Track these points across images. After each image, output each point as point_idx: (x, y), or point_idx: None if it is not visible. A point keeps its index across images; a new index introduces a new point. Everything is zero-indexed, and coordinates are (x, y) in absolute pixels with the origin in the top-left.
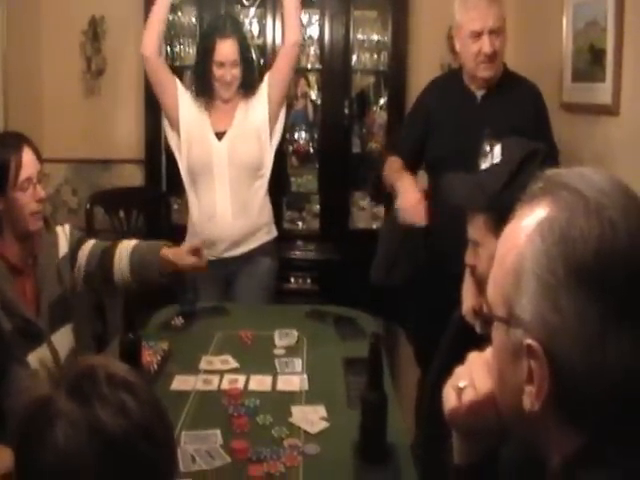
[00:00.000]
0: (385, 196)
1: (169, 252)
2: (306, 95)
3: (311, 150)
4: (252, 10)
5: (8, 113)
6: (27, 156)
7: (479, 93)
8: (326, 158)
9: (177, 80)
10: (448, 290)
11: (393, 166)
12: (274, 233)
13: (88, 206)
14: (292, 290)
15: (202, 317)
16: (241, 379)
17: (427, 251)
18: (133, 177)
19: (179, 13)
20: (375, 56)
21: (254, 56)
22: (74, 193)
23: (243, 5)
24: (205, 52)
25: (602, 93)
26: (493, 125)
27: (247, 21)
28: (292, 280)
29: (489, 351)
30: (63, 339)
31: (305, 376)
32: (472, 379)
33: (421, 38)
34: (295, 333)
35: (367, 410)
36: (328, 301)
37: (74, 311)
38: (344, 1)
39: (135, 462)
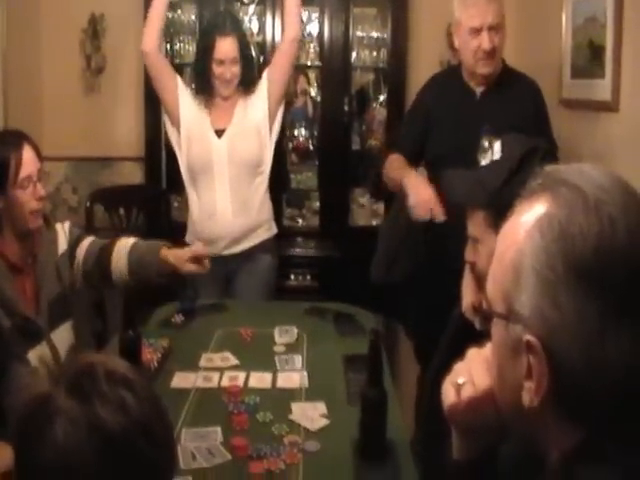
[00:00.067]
0: (385, 193)
1: (170, 255)
2: (306, 92)
3: (311, 147)
4: (252, 7)
5: (8, 111)
6: (27, 154)
7: (478, 90)
8: (326, 155)
9: (178, 77)
10: (448, 287)
11: (394, 164)
12: (274, 230)
13: (88, 204)
14: (292, 287)
15: (202, 314)
16: (241, 376)
17: (427, 247)
18: (133, 175)
19: (179, 11)
20: (375, 53)
21: (254, 54)
22: (74, 191)
23: (243, 3)
24: (205, 50)
25: (601, 89)
26: (492, 121)
27: (247, 19)
28: (292, 277)
29: (488, 347)
30: (63, 337)
31: (305, 373)
32: (471, 375)
33: (420, 35)
34: (295, 330)
35: (367, 407)
36: (328, 298)
37: (73, 309)
38: None
39: (134, 459)
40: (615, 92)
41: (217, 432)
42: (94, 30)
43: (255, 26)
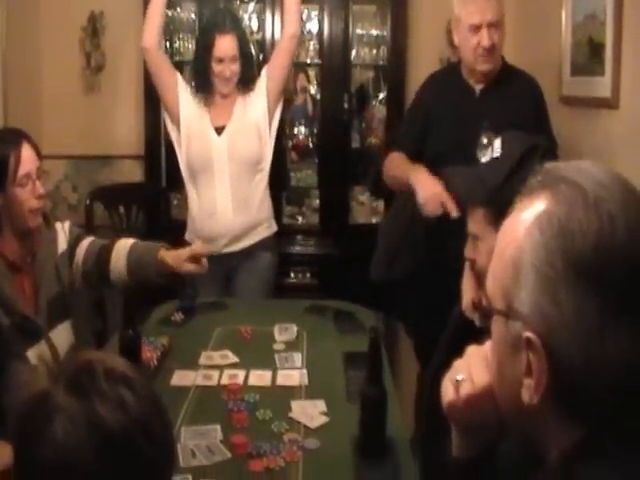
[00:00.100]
0: (385, 191)
1: (168, 256)
2: (305, 90)
3: (310, 145)
4: (251, 5)
5: (7, 109)
6: (26, 152)
7: (478, 87)
8: (325, 153)
9: (178, 74)
10: (448, 285)
11: (395, 162)
12: (274, 228)
13: (88, 202)
14: (292, 285)
15: (202, 312)
16: (241, 374)
17: (427, 245)
18: (133, 173)
19: (178, 8)
20: (374, 51)
21: (253, 51)
22: (74, 189)
23: (242, 0)
24: (204, 48)
25: (601, 87)
26: (492, 119)
27: (246, 16)
28: (292, 275)
29: (488, 345)
30: (62, 336)
31: (305, 371)
32: (470, 373)
33: (420, 32)
34: (295, 328)
35: (366, 405)
36: (328, 296)
37: (73, 308)
38: None
39: (133, 457)
40: (615, 89)
41: (217, 430)
42: (93, 28)
43: (254, 24)
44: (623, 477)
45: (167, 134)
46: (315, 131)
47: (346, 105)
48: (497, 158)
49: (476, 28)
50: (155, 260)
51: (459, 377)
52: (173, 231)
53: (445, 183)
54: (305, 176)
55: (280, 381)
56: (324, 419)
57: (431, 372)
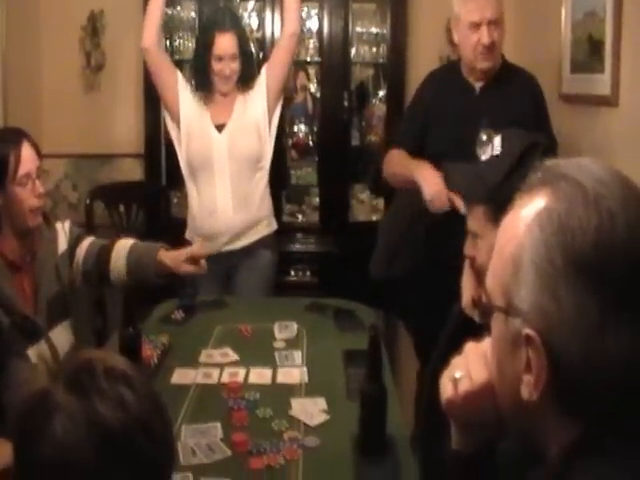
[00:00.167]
0: (385, 189)
1: (167, 257)
2: (305, 88)
3: (310, 143)
4: (251, 4)
5: (7, 109)
6: (26, 151)
7: (478, 85)
8: (325, 151)
9: (178, 73)
10: (448, 282)
11: (395, 159)
12: (274, 226)
13: (88, 201)
14: (292, 283)
15: (202, 310)
16: (241, 372)
17: (427, 243)
18: (133, 171)
19: (178, 7)
20: (374, 49)
21: (253, 50)
22: (74, 188)
23: None
24: (204, 46)
25: (601, 84)
26: (492, 116)
27: (246, 15)
28: (292, 273)
29: (486, 342)
30: (61, 335)
31: (305, 369)
32: (468, 369)
33: (420, 30)
34: (295, 326)
35: (366, 402)
36: (328, 294)
37: (72, 308)
38: None
39: (133, 456)
40: (614, 87)
41: (217, 428)
42: (93, 27)
43: (254, 22)
44: (623, 473)
45: (167, 132)
46: (315, 129)
47: (346, 103)
48: (497, 156)
49: (476, 26)
50: (154, 261)
51: (457, 374)
52: (173, 229)
53: (445, 180)
54: (305, 174)
55: (280, 379)
56: (324, 417)
57: (431, 370)
